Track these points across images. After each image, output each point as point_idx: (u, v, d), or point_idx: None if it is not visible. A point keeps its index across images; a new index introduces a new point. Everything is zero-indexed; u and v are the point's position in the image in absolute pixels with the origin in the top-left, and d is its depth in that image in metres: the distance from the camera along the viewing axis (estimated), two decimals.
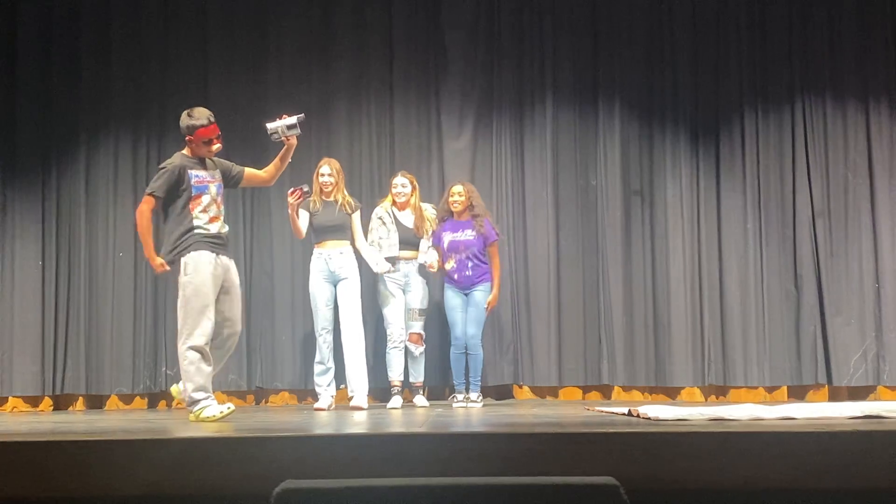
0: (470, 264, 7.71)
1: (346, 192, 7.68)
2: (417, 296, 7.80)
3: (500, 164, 8.70)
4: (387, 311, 7.75)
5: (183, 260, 5.98)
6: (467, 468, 3.95)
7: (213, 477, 4.07)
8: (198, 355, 5.97)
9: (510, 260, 8.58)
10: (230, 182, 6.42)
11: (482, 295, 7.72)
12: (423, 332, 7.84)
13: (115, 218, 8.32)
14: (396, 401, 7.63)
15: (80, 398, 8.21)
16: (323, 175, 7.62)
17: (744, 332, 8.39)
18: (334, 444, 4.45)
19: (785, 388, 8.38)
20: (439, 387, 8.42)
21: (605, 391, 8.53)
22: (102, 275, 8.26)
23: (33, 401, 8.10)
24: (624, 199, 8.61)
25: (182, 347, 5.99)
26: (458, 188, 7.85)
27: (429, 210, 7.92)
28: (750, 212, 8.51)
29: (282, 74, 8.65)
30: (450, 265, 7.75)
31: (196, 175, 6.14)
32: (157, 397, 8.32)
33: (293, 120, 6.29)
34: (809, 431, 4.47)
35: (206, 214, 6.12)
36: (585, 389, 8.57)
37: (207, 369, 6.04)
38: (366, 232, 7.79)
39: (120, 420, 6.55)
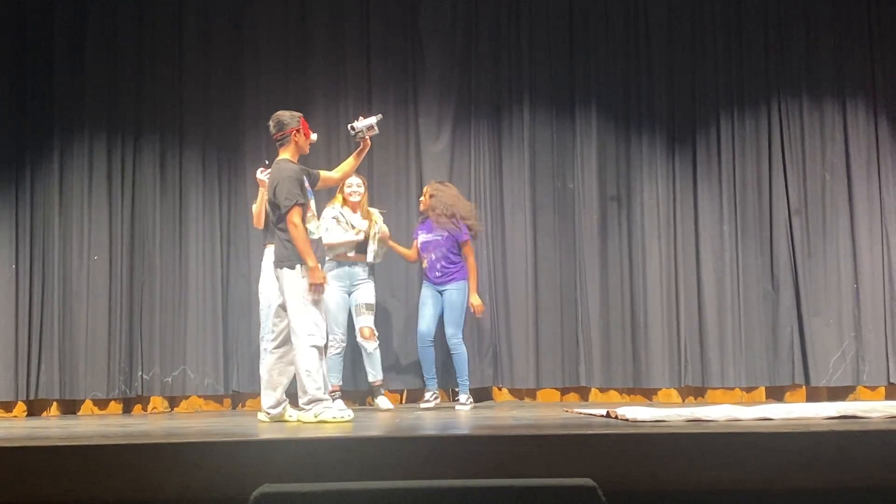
0: (439, 266, 7.78)
1: None
2: (364, 292, 7.73)
3: (477, 167, 8.70)
4: (330, 316, 7.56)
5: (300, 266, 6.13)
6: (446, 471, 3.95)
7: (190, 481, 4.05)
8: (319, 354, 6.14)
9: (488, 262, 8.59)
10: (311, 185, 6.53)
11: (457, 294, 7.76)
12: (374, 328, 7.73)
13: (89, 221, 8.23)
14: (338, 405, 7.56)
15: (55, 403, 8.12)
16: None
17: (721, 334, 8.41)
18: (312, 448, 4.44)
19: (762, 388, 8.39)
20: (415, 389, 8.41)
21: (583, 393, 8.54)
22: (77, 278, 8.17)
23: (6, 406, 8.00)
24: (601, 202, 8.62)
25: (304, 348, 6.08)
26: (425, 188, 8.01)
27: (375, 213, 7.89)
28: (727, 213, 8.54)
29: (258, 77, 8.63)
30: (424, 264, 7.86)
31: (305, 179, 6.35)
32: (133, 402, 8.25)
33: (374, 120, 6.65)
34: (786, 432, 4.49)
35: (315, 220, 6.38)
36: (563, 391, 8.57)
37: (324, 369, 6.24)
38: None
39: (96, 425, 6.51)
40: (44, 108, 8.29)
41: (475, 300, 7.85)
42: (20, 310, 8.06)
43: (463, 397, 7.72)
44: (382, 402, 7.72)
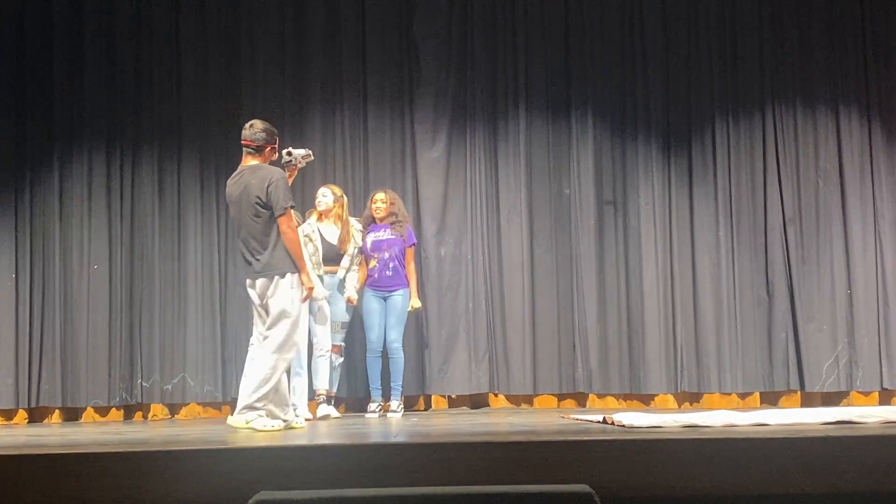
0: (391, 265, 7.82)
1: None
2: (340, 309, 7.77)
3: (474, 172, 8.71)
4: (312, 322, 7.61)
5: (291, 276, 6.07)
6: (442, 477, 3.95)
7: (187, 489, 4.06)
8: (286, 367, 6.12)
9: (484, 267, 8.59)
10: None
11: (401, 300, 7.83)
12: (342, 344, 7.82)
13: (89, 230, 8.26)
14: (324, 409, 7.56)
15: (56, 411, 8.15)
16: None
17: (717, 339, 8.43)
18: (309, 455, 4.44)
19: (758, 394, 8.42)
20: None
21: (580, 399, 8.55)
22: (77, 287, 8.20)
23: (8, 414, 8.03)
24: (597, 208, 8.63)
25: (273, 357, 6.02)
26: (380, 195, 7.97)
27: (355, 225, 7.88)
28: (722, 220, 8.56)
29: (255, 86, 8.64)
30: (372, 264, 7.83)
31: None
32: (133, 409, 8.27)
33: (306, 151, 6.75)
34: (782, 437, 4.50)
35: None
36: (560, 397, 8.58)
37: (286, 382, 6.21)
38: None
39: (94, 432, 6.51)
40: (43, 120, 8.34)
41: (418, 303, 8.00)
42: (21, 319, 8.11)
43: (395, 403, 7.78)
44: (328, 409, 7.63)
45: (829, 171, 8.59)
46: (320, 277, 7.65)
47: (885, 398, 8.31)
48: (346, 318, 7.82)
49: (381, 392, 7.86)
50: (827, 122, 8.64)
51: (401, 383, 7.85)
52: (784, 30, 8.73)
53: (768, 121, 8.63)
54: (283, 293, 6.04)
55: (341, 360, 7.81)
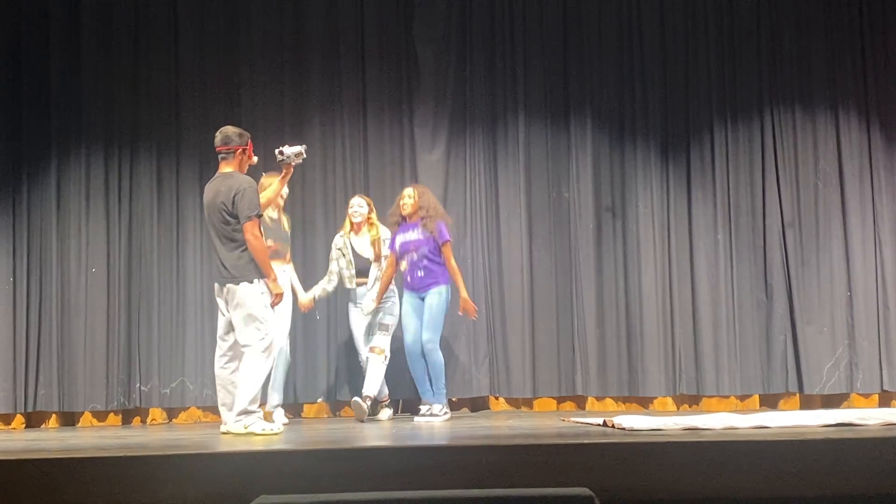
0: (422, 265, 7.59)
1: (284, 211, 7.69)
2: (384, 311, 7.69)
3: (473, 176, 8.71)
4: (352, 331, 7.85)
5: (258, 281, 6.19)
6: (443, 481, 3.95)
7: (186, 493, 4.05)
8: (268, 368, 6.24)
9: (484, 271, 8.59)
10: None
11: (437, 298, 7.56)
12: (384, 347, 7.60)
13: (86, 233, 8.24)
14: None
15: (53, 415, 8.12)
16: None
17: (715, 342, 8.43)
18: (308, 459, 4.44)
19: (756, 396, 8.42)
20: (413, 399, 8.37)
21: (579, 401, 8.54)
22: (75, 291, 8.18)
23: (5, 419, 8.01)
24: (596, 211, 8.63)
25: (256, 362, 6.11)
26: (408, 191, 7.80)
27: (383, 234, 7.81)
28: (720, 223, 8.56)
29: (254, 89, 8.62)
30: (403, 266, 7.66)
31: None
32: (132, 413, 8.25)
33: (300, 148, 6.69)
34: (783, 440, 4.50)
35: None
36: (560, 400, 8.57)
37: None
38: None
39: (93, 437, 6.50)
40: (41, 122, 8.30)
41: (468, 299, 7.69)
42: (18, 322, 8.07)
43: (438, 407, 7.53)
44: (385, 413, 7.74)
45: (828, 174, 8.60)
46: (351, 290, 7.76)
47: (885, 400, 8.31)
48: (385, 320, 7.67)
49: (431, 393, 7.62)
50: (826, 125, 8.64)
51: (443, 385, 7.59)
52: (782, 32, 8.73)
53: (767, 123, 8.63)
54: (252, 299, 6.13)
55: (380, 360, 7.54)
